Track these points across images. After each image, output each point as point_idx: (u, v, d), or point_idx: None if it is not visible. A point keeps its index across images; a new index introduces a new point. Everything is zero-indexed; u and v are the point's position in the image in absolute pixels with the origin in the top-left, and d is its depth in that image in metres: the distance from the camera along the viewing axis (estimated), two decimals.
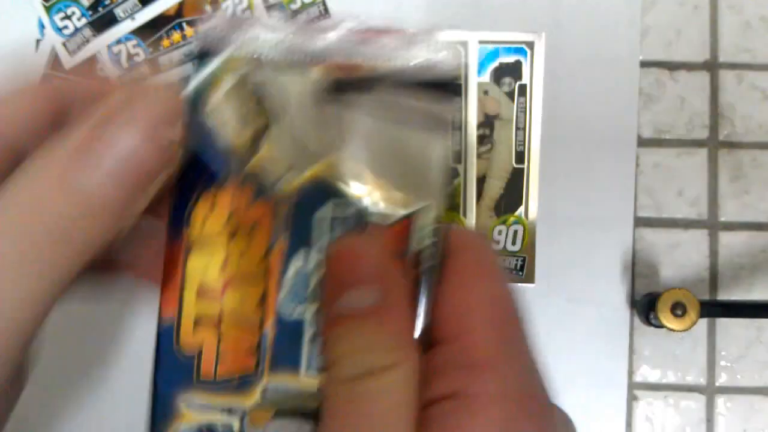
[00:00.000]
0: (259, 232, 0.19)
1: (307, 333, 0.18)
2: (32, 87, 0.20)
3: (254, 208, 0.19)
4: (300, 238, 0.19)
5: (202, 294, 0.18)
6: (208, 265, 0.19)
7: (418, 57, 0.19)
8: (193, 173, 0.19)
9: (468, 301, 0.19)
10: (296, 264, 0.19)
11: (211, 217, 0.19)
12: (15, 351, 0.17)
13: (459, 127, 0.41)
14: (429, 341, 0.19)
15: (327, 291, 0.19)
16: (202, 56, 0.19)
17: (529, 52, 0.42)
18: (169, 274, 0.19)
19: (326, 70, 0.19)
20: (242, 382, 0.18)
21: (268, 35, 0.19)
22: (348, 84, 0.19)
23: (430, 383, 0.18)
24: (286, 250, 0.19)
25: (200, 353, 0.18)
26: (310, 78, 0.19)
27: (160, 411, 0.19)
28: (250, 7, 0.42)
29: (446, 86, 0.19)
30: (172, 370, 0.18)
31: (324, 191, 0.19)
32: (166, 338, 0.18)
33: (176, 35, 0.42)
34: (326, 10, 0.42)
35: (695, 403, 0.42)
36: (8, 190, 0.17)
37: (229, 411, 0.18)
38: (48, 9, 0.42)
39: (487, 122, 0.42)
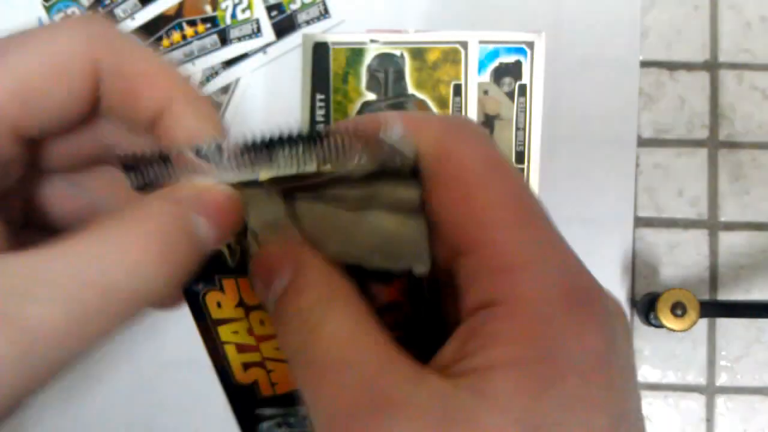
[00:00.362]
0: None
1: None
2: (71, 65, 0.19)
3: None
4: None
5: (241, 349, 0.22)
6: (237, 331, 0.21)
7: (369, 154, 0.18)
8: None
9: (483, 202, 0.17)
10: None
11: (224, 301, 0.21)
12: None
13: None
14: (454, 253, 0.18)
15: (259, 294, 0.19)
16: (142, 189, 0.19)
17: (529, 52, 0.42)
18: (206, 340, 0.21)
19: (281, 178, 0.19)
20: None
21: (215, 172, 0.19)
22: (307, 187, 0.19)
23: (463, 295, 0.17)
24: None
25: (256, 382, 0.22)
26: (267, 189, 0.19)
27: (245, 423, 0.23)
28: (249, 7, 0.42)
29: (403, 171, 0.18)
30: (237, 395, 0.22)
31: None
32: (223, 377, 0.22)
33: (176, 35, 0.42)
34: (326, 10, 0.42)
35: (695, 403, 0.42)
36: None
37: (296, 410, 0.22)
38: (48, 9, 0.42)
39: (487, 122, 0.42)
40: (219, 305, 0.21)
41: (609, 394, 0.16)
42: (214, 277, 0.20)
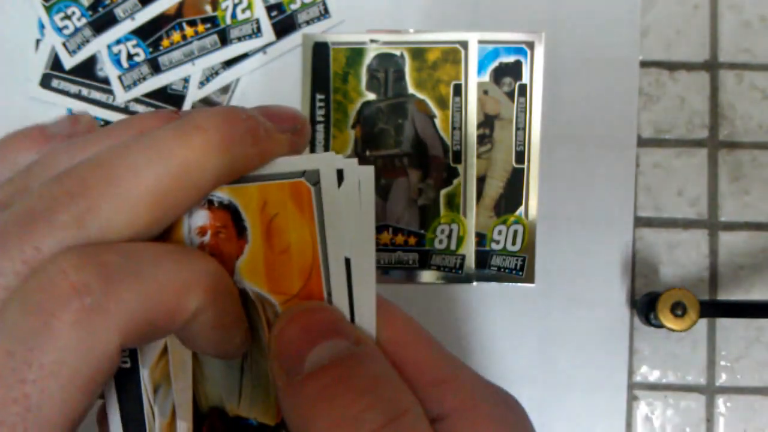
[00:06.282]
0: None
1: None
2: None
3: None
4: None
5: None
6: None
7: None
8: None
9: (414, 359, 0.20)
10: None
11: None
12: None
13: (459, 127, 0.41)
14: None
15: (283, 356, 0.18)
16: None
17: (529, 52, 0.42)
18: None
19: None
20: None
21: None
22: None
23: None
24: None
25: None
26: None
27: None
28: (249, 7, 0.42)
29: None
30: None
31: None
32: None
33: (176, 35, 0.42)
34: (326, 10, 0.42)
35: (695, 403, 0.42)
36: None
37: None
38: (48, 9, 0.42)
39: (487, 122, 0.42)
40: None
41: None
42: None
